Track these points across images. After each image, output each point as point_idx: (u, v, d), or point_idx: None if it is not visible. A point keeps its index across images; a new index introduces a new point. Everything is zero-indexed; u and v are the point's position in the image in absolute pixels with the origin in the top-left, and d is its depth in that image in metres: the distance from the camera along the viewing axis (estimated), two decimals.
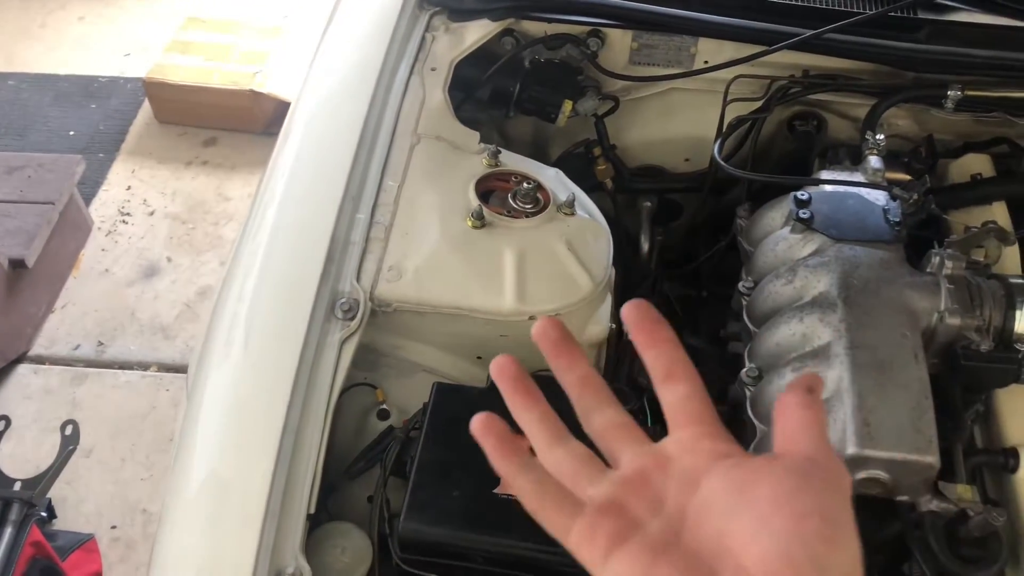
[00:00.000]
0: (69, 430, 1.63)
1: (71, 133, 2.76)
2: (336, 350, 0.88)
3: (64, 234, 2.21)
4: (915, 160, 1.11)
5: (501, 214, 0.98)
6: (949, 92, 1.08)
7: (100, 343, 2.13)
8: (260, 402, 0.83)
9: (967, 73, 1.09)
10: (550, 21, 1.16)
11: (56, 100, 2.88)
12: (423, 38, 1.17)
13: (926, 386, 0.84)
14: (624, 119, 1.27)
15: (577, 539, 0.40)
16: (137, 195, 2.54)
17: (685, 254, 1.36)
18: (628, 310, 0.45)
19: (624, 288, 1.21)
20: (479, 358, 1.00)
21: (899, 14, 1.09)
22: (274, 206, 1.00)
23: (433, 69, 1.14)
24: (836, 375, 0.86)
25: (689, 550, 0.38)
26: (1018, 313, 0.89)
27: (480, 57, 1.18)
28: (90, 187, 2.53)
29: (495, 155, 1.04)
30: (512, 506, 0.78)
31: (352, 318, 0.90)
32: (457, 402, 0.87)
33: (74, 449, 1.61)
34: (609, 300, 1.02)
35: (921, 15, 1.11)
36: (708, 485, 0.39)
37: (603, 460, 0.43)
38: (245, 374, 0.87)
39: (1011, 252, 1.03)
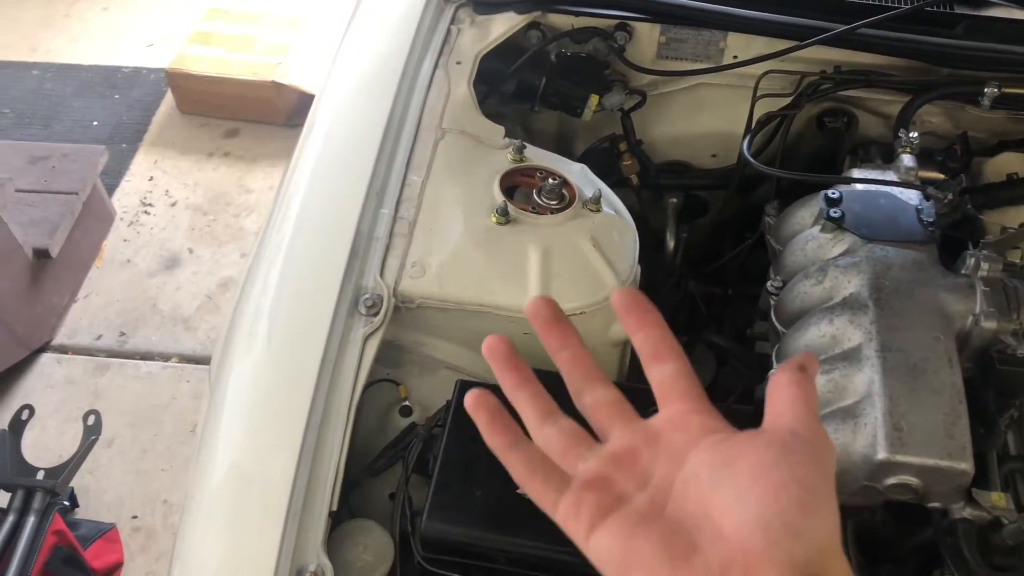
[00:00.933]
0: (91, 420, 1.64)
1: (94, 123, 2.77)
2: (360, 346, 0.87)
3: (87, 224, 2.22)
4: (949, 159, 1.08)
5: (526, 210, 0.97)
6: (986, 89, 1.06)
7: (122, 333, 2.14)
8: (283, 397, 0.83)
9: (1004, 70, 1.06)
10: (577, 15, 1.15)
11: (79, 90, 2.90)
12: (448, 31, 1.16)
13: (960, 391, 0.82)
14: (651, 114, 1.26)
15: (563, 514, 0.41)
16: (159, 186, 2.55)
17: (711, 251, 1.34)
18: (617, 297, 0.46)
19: (649, 285, 1.20)
20: None
21: (935, 9, 1.06)
22: (298, 199, 0.99)
23: (458, 63, 1.12)
24: (867, 378, 0.84)
25: (672, 521, 0.39)
26: None
27: (506, 51, 1.17)
28: (113, 177, 2.54)
29: (520, 150, 1.03)
30: (535, 507, 0.78)
31: (376, 314, 0.89)
32: None
33: (96, 439, 1.62)
34: None
35: (958, 10, 1.08)
36: (694, 459, 0.40)
37: (594, 437, 0.44)
38: (268, 368, 0.86)
39: None
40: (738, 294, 1.26)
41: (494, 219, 0.96)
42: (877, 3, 1.10)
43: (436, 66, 1.12)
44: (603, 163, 1.26)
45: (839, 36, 1.04)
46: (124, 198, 2.51)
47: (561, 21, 1.16)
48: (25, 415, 1.60)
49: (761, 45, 1.12)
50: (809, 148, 1.24)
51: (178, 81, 2.69)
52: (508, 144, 1.04)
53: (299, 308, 0.90)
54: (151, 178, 2.57)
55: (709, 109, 1.23)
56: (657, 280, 1.27)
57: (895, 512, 0.85)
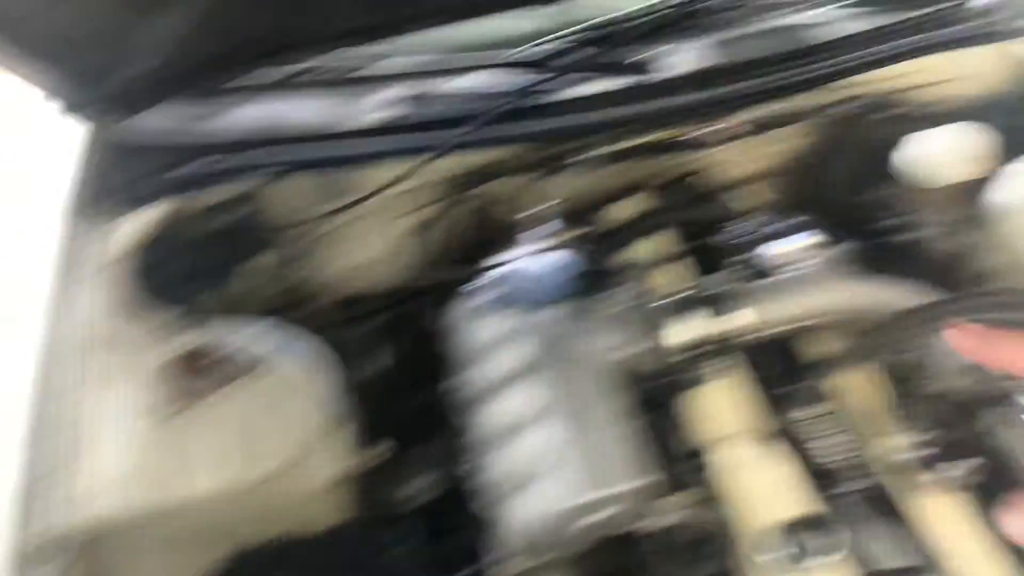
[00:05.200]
0: None
1: None
2: None
3: None
4: (580, 217, 1.22)
5: (194, 395, 0.97)
6: (591, 153, 1.22)
7: None
8: None
9: (597, 134, 1.23)
10: (207, 193, 1.18)
11: None
12: (85, 241, 1.15)
13: (622, 419, 0.93)
14: (320, 256, 1.31)
15: None
16: None
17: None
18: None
19: (369, 414, 1.23)
20: (213, 545, 0.97)
21: (519, 103, 1.21)
22: None
23: (100, 270, 1.11)
24: (548, 438, 0.92)
25: None
26: (684, 327, 1.00)
27: (153, 243, 1.18)
28: None
29: (179, 335, 1.03)
30: None
31: (52, 559, 0.85)
32: None
33: None
34: (334, 441, 1.03)
35: (541, 99, 1.23)
36: None
37: None
38: None
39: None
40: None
41: (158, 417, 0.94)
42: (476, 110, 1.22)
43: (75, 280, 1.10)
44: (288, 315, 1.30)
45: (445, 149, 1.15)
46: None
47: (195, 202, 1.19)
48: None
49: (391, 171, 1.21)
50: (475, 242, 1.34)
51: None
52: (167, 334, 1.04)
53: None
54: None
55: (369, 238, 1.30)
56: (374, 406, 1.30)
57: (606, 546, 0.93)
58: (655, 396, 0.98)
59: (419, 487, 1.16)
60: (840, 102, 1.32)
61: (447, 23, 1.17)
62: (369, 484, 1.10)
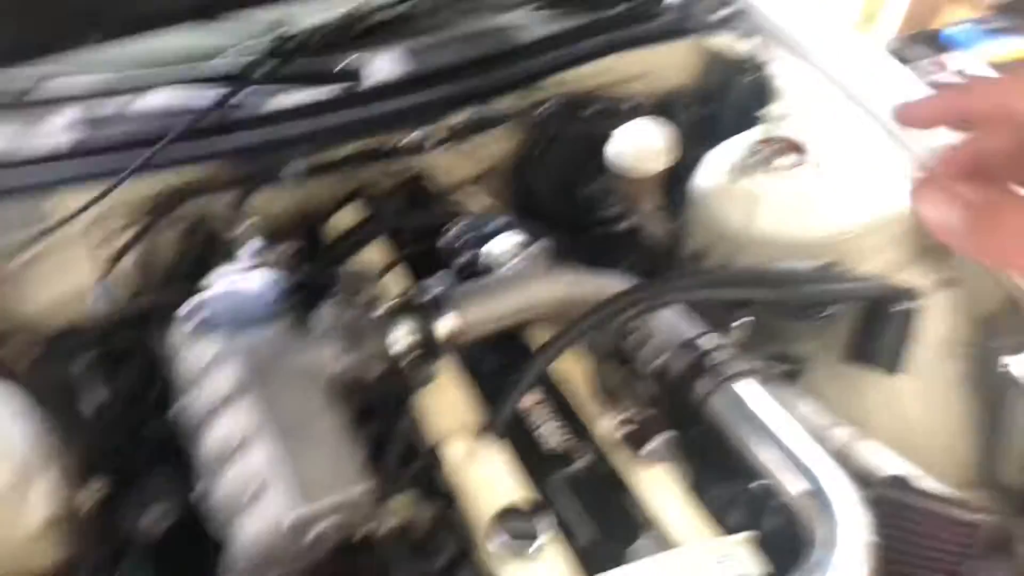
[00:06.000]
0: None
1: None
2: None
3: None
4: (294, 231, 1.21)
5: None
6: (287, 168, 1.20)
7: None
8: None
9: (303, 144, 1.22)
10: None
11: None
12: None
13: (338, 429, 0.93)
14: (16, 292, 1.21)
15: None
16: None
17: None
18: None
19: (101, 448, 1.15)
20: None
21: (214, 118, 1.18)
22: None
23: None
24: (263, 456, 0.91)
25: None
26: (395, 334, 1.01)
27: None
28: None
29: None
30: None
31: None
32: None
33: None
34: (48, 477, 0.97)
35: (241, 113, 1.21)
36: None
37: None
38: None
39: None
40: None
41: None
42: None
43: None
44: None
45: (135, 169, 1.10)
46: None
47: None
48: None
49: (85, 195, 1.14)
50: (191, 264, 1.30)
51: None
52: None
53: None
54: None
55: (72, 266, 1.21)
56: (106, 439, 1.22)
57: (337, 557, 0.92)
58: (382, 403, 0.98)
59: (151, 517, 1.10)
60: (544, 101, 1.39)
61: (126, 35, 1.11)
62: (96, 520, 1.04)
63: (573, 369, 1.08)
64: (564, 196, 1.47)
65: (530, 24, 1.44)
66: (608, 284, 1.08)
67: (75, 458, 1.04)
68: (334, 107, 1.20)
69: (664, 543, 0.87)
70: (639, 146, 1.34)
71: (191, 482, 1.15)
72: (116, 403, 1.26)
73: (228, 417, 0.95)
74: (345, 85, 1.23)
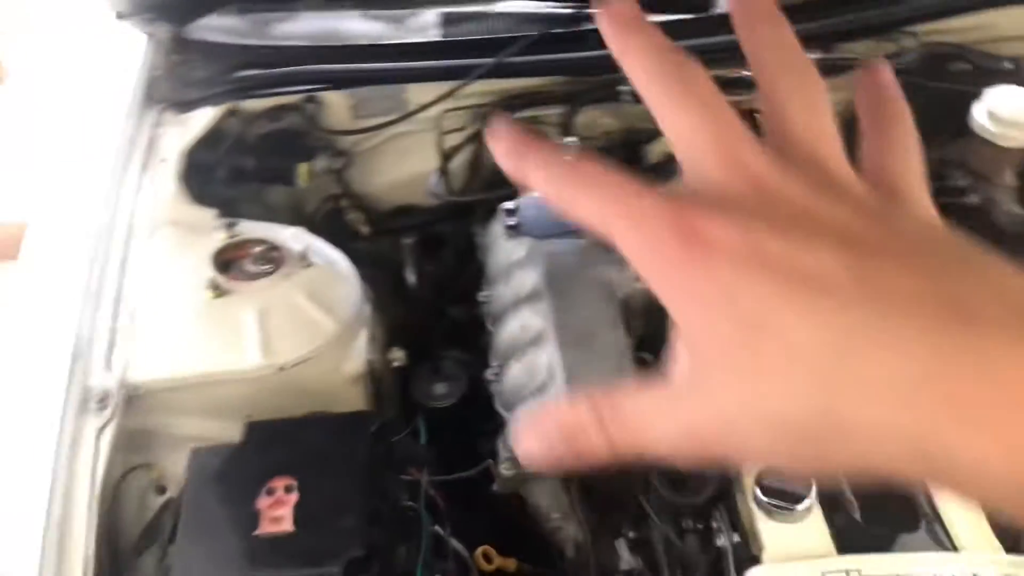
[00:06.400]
0: None
1: None
2: (93, 440, 0.93)
3: None
4: (608, 153, 1.24)
5: (239, 279, 1.06)
6: (621, 87, 1.22)
7: None
8: (19, 501, 0.88)
9: None
10: (265, 96, 1.25)
11: None
12: (152, 134, 1.24)
13: (624, 347, 0.96)
14: (367, 167, 1.37)
15: None
16: None
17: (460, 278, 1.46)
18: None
19: (406, 320, 1.30)
20: (249, 417, 1.06)
21: (566, 29, 1.22)
22: (16, 323, 1.04)
23: (163, 160, 1.20)
24: (548, 357, 0.96)
25: None
26: None
27: (213, 140, 1.25)
28: None
29: (230, 227, 1.12)
30: (275, 542, 0.85)
31: (105, 408, 0.95)
32: (216, 461, 0.93)
33: None
34: (364, 336, 1.10)
35: (588, 27, 1.25)
36: None
37: None
38: (4, 483, 0.91)
39: None
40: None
41: (209, 294, 1.04)
42: (523, 34, 1.24)
43: (143, 168, 1.20)
44: (335, 222, 1.37)
45: (488, 70, 1.18)
46: None
47: (254, 105, 1.26)
48: None
49: (436, 90, 1.25)
50: None
51: None
52: (220, 224, 1.13)
53: (27, 421, 0.95)
54: None
55: (413, 153, 1.35)
56: (412, 313, 1.37)
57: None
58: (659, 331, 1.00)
59: (441, 391, 1.21)
60: (899, 52, 1.27)
61: None
62: (395, 383, 1.17)
63: None
64: None
65: None
66: None
67: (385, 325, 1.16)
68: (676, 33, 1.19)
69: (942, 542, 0.81)
70: (1013, 111, 1.19)
71: (477, 365, 1.27)
72: (429, 282, 1.41)
73: (526, 313, 1.02)
74: (703, 10, 1.21)
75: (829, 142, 0.34)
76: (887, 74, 0.38)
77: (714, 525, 0.85)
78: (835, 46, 1.26)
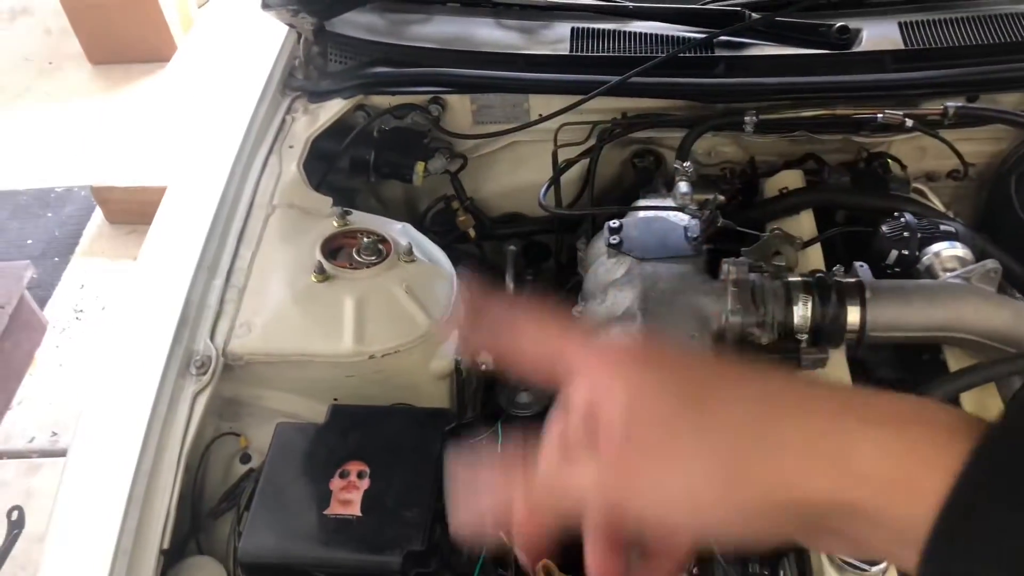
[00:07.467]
0: (15, 515, 1.71)
1: (28, 242, 2.90)
2: (189, 402, 0.98)
3: (17, 336, 2.33)
4: (723, 182, 1.22)
5: (344, 267, 1.09)
6: (746, 117, 1.20)
7: (54, 433, 2.23)
8: (113, 450, 0.93)
9: (760, 99, 1.21)
10: (394, 94, 1.29)
11: (14, 213, 3.04)
12: (283, 120, 1.30)
13: None
14: (480, 172, 1.39)
15: None
16: (90, 293, 2.67)
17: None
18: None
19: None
20: (336, 400, 1.09)
21: (696, 54, 1.21)
22: (138, 280, 1.11)
23: (291, 146, 1.26)
24: None
25: None
26: (795, 308, 0.98)
27: (338, 131, 1.30)
28: (45, 289, 2.66)
29: (343, 216, 1.16)
30: (341, 524, 0.88)
31: (204, 373, 1.00)
32: (298, 438, 0.97)
33: (19, 533, 1.69)
34: (455, 335, 1.12)
35: (718, 53, 1.23)
36: None
37: None
38: (103, 426, 0.97)
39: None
40: None
41: (314, 278, 1.08)
42: (651, 55, 1.24)
43: (271, 151, 1.25)
44: (444, 221, 1.40)
45: (614, 86, 1.18)
46: (56, 307, 2.62)
47: (382, 101, 1.31)
48: None
49: (558, 102, 1.26)
50: (627, 185, 1.38)
51: (103, 195, 2.83)
52: (333, 212, 1.17)
53: (132, 375, 1.00)
54: (82, 286, 2.69)
55: (527, 162, 1.36)
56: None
57: None
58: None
59: (527, 399, 1.22)
60: None
61: None
62: (480, 386, 1.18)
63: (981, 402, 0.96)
64: None
65: None
66: None
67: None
68: (817, 69, 1.16)
69: None
70: None
71: None
72: (527, 290, 1.41)
73: (618, 332, 1.01)
74: (839, 47, 1.17)
75: None
76: None
77: (781, 573, 0.82)
78: (987, 92, 1.19)
